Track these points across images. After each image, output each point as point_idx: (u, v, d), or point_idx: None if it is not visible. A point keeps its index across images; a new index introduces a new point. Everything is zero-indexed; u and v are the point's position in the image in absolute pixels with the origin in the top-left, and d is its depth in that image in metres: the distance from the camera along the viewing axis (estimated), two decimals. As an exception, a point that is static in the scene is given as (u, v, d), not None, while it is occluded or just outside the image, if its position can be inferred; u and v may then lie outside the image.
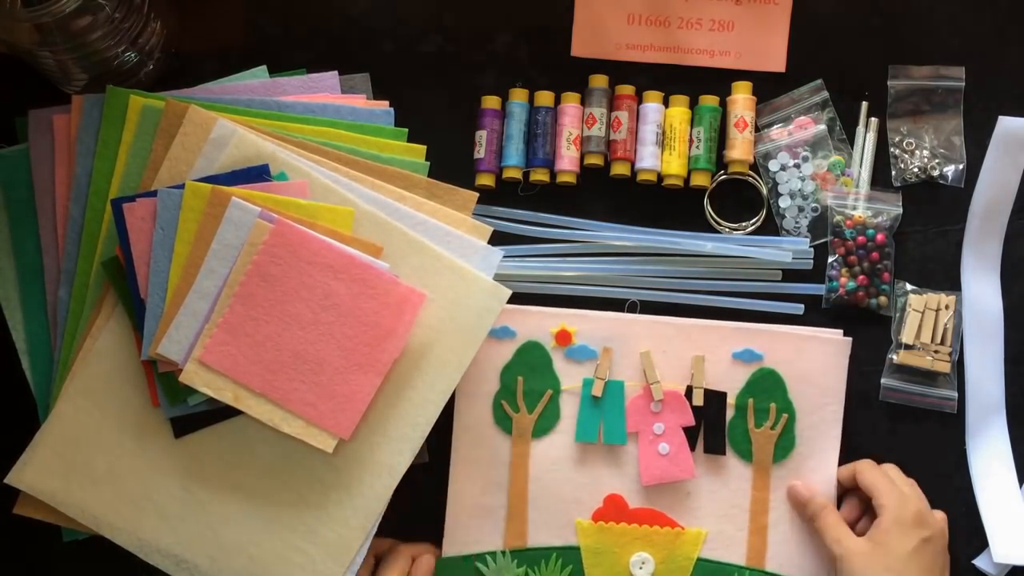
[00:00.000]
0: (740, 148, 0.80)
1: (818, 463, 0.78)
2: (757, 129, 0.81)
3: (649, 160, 0.80)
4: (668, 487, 0.78)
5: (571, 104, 0.81)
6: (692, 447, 0.78)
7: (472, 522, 0.78)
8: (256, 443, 0.74)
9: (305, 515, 0.74)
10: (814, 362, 0.78)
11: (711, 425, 0.79)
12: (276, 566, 0.74)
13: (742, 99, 0.80)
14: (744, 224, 0.81)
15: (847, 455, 0.79)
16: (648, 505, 0.78)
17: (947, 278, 0.81)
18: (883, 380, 0.80)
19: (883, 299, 0.80)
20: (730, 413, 0.79)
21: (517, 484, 0.78)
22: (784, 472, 0.78)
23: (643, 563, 0.78)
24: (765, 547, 0.78)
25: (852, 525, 0.77)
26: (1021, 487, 0.79)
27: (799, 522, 0.78)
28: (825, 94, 0.81)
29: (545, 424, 0.79)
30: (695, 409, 0.78)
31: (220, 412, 0.74)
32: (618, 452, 0.79)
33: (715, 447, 0.78)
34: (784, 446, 0.78)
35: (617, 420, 0.78)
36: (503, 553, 0.78)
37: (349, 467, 0.74)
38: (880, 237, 0.79)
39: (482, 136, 0.81)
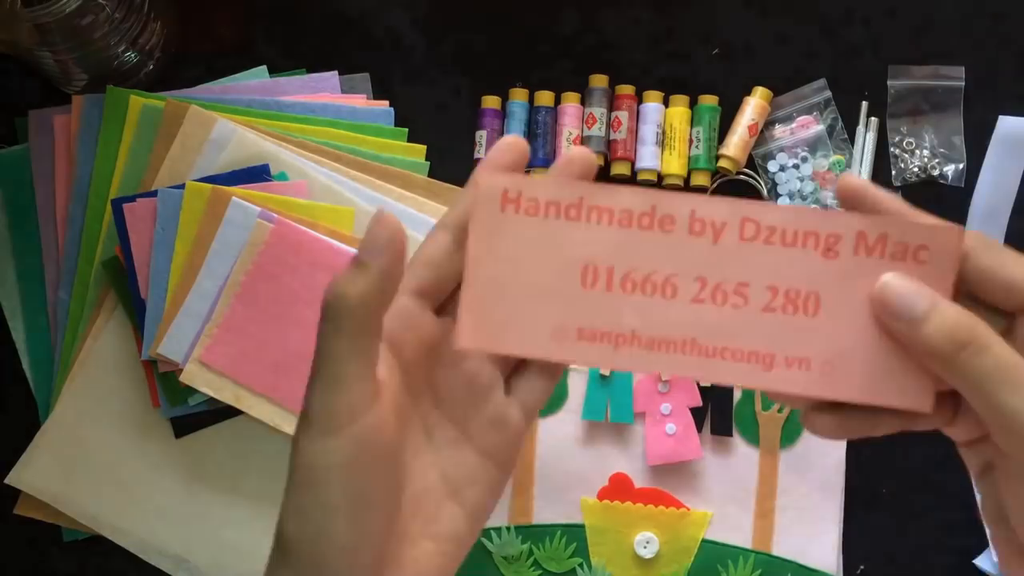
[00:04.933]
0: (735, 148, 0.80)
1: (828, 448, 0.78)
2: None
3: (649, 160, 0.80)
4: (674, 468, 0.78)
5: (571, 104, 0.81)
6: (699, 428, 0.78)
7: None
8: (257, 443, 0.74)
9: (305, 515, 0.74)
10: None
11: (718, 406, 0.78)
12: (276, 566, 0.74)
13: (761, 105, 0.80)
14: (744, 224, 0.81)
15: (847, 452, 0.79)
16: (654, 485, 0.78)
17: (947, 278, 0.81)
18: (883, 380, 0.80)
19: (883, 299, 0.80)
20: (737, 395, 0.79)
21: (523, 461, 0.78)
22: (792, 458, 0.78)
23: (648, 542, 0.77)
24: (772, 531, 0.78)
25: None
26: (1021, 487, 0.79)
27: (806, 508, 0.77)
28: (828, 93, 0.81)
29: (553, 402, 0.79)
30: (702, 390, 0.78)
31: (220, 412, 0.74)
32: (625, 431, 0.79)
33: (722, 428, 0.78)
34: (791, 431, 0.78)
35: (624, 399, 0.78)
36: (508, 529, 0.78)
37: (349, 467, 0.74)
38: (880, 237, 0.79)
39: (482, 136, 0.81)
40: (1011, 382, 0.37)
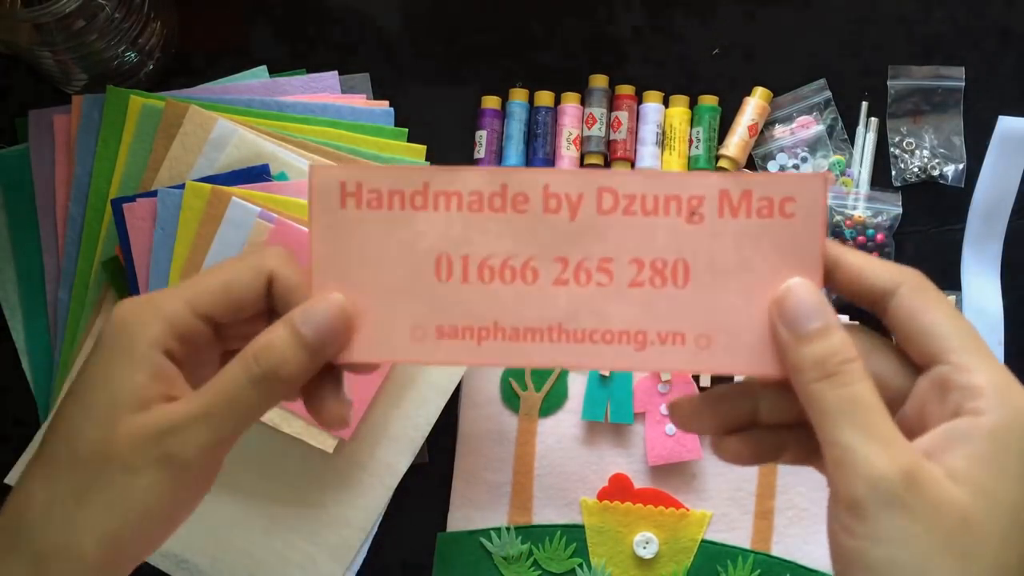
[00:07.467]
0: (735, 148, 0.80)
1: None
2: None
3: (649, 160, 0.80)
4: (674, 468, 0.78)
5: (571, 104, 0.81)
6: None
7: (477, 498, 0.78)
8: (256, 443, 0.74)
9: (306, 515, 0.74)
10: None
11: None
12: (277, 566, 0.74)
13: (761, 105, 0.80)
14: (744, 224, 0.81)
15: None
16: (653, 485, 0.78)
17: (947, 278, 0.81)
18: (883, 380, 0.80)
19: (883, 299, 0.80)
20: None
21: (523, 461, 0.79)
22: None
23: (647, 543, 0.77)
24: (771, 531, 0.78)
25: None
26: (1021, 487, 0.79)
27: (806, 508, 0.77)
28: (828, 93, 0.81)
29: (552, 402, 0.79)
30: (702, 391, 0.78)
31: (220, 412, 0.74)
32: (625, 432, 0.79)
33: None
34: None
35: (624, 399, 0.78)
36: (508, 529, 0.78)
37: (350, 467, 0.74)
38: (880, 237, 0.80)
39: (482, 136, 0.81)
40: (852, 421, 0.36)
